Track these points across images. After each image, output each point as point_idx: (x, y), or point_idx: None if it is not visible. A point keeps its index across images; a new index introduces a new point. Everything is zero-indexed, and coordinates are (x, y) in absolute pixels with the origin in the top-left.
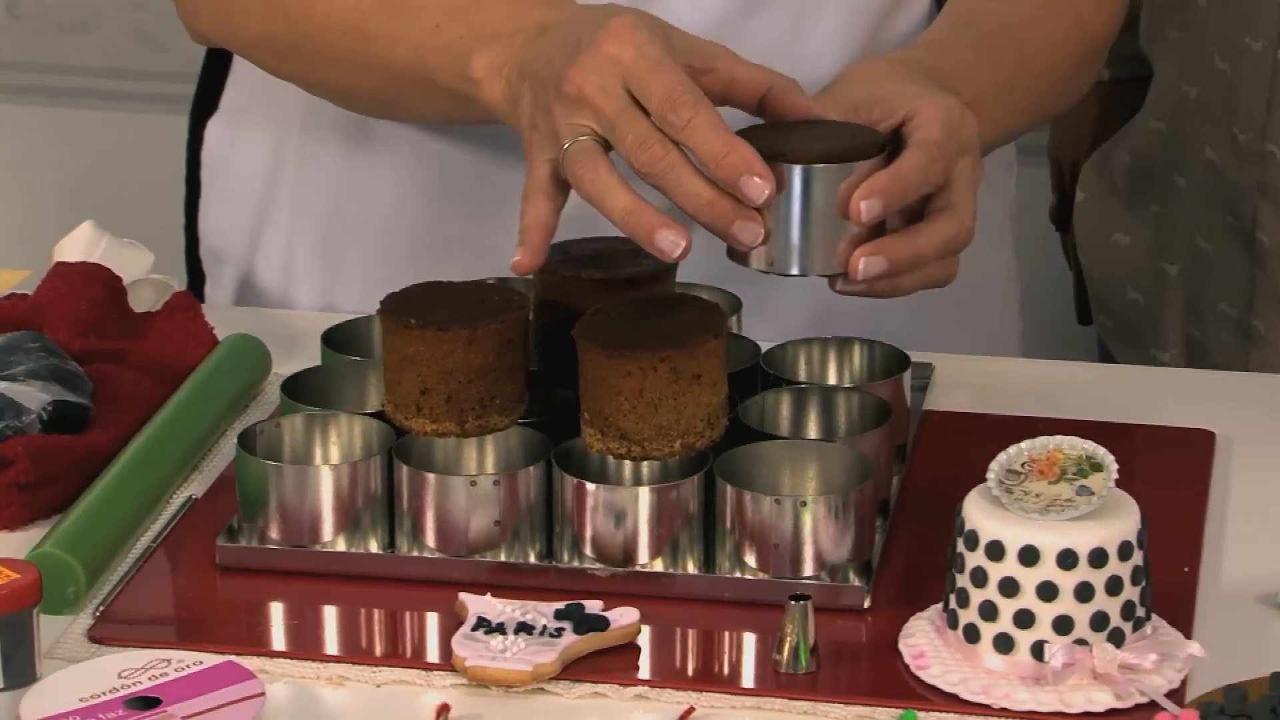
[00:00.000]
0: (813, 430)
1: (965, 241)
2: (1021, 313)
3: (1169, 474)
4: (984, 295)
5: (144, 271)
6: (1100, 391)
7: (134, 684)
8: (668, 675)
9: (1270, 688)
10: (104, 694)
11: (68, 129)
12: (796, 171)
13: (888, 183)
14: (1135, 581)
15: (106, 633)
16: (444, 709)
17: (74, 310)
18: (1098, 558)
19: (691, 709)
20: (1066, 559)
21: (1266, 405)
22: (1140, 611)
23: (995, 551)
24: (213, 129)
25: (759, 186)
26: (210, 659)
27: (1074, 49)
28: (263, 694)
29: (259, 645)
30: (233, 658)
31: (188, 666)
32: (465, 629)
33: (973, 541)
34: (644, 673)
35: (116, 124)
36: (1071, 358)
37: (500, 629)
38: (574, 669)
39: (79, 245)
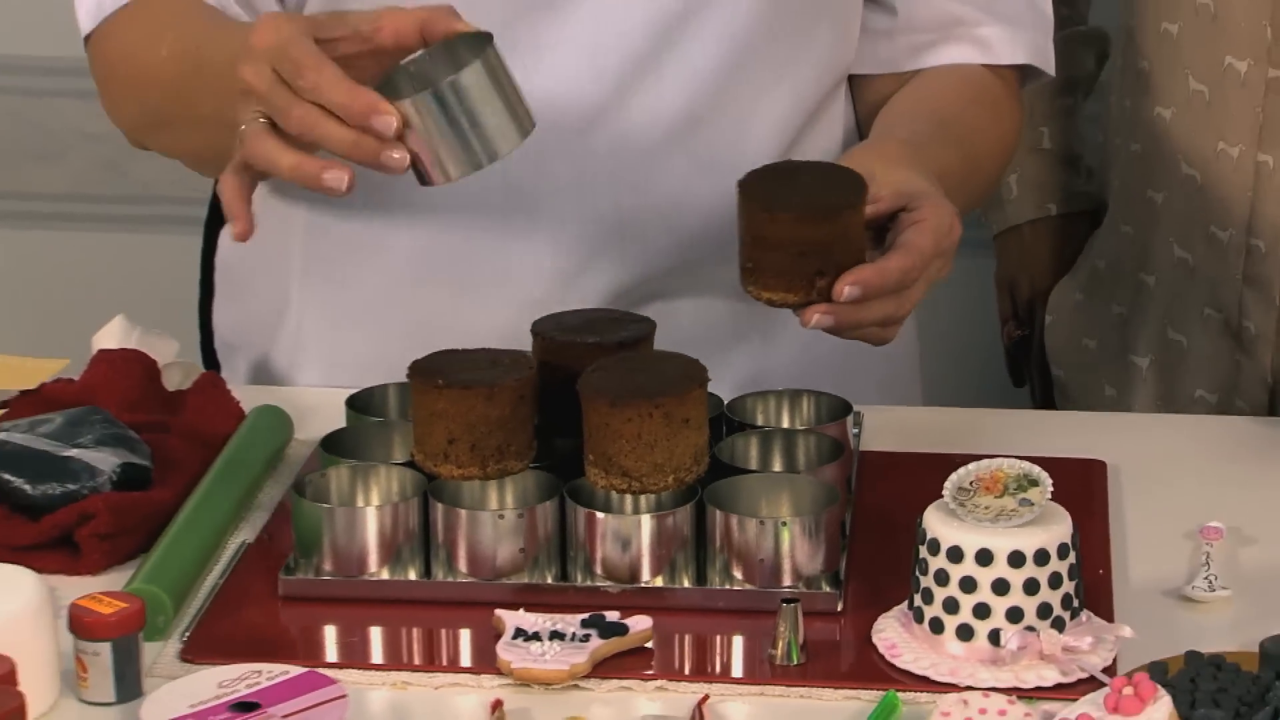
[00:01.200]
0: (777, 465)
1: (901, 319)
2: (921, 375)
3: (1072, 496)
4: (893, 361)
5: (170, 356)
6: (1005, 431)
7: (233, 691)
8: (680, 671)
9: (1186, 663)
10: (209, 701)
11: (32, 249)
12: (428, 95)
13: (871, 276)
14: (1071, 577)
15: (195, 654)
16: (498, 704)
17: (120, 390)
18: (1041, 557)
19: (706, 696)
20: (1016, 559)
21: (1145, 439)
22: (1075, 603)
23: (955, 555)
24: (225, 237)
25: (386, 121)
26: (295, 669)
27: (1002, 158)
28: (346, 696)
29: (325, 660)
30: (314, 669)
31: (276, 676)
32: (506, 638)
33: (935, 548)
34: (659, 669)
35: (78, 243)
36: None
37: (536, 637)
38: (600, 668)
39: (115, 335)
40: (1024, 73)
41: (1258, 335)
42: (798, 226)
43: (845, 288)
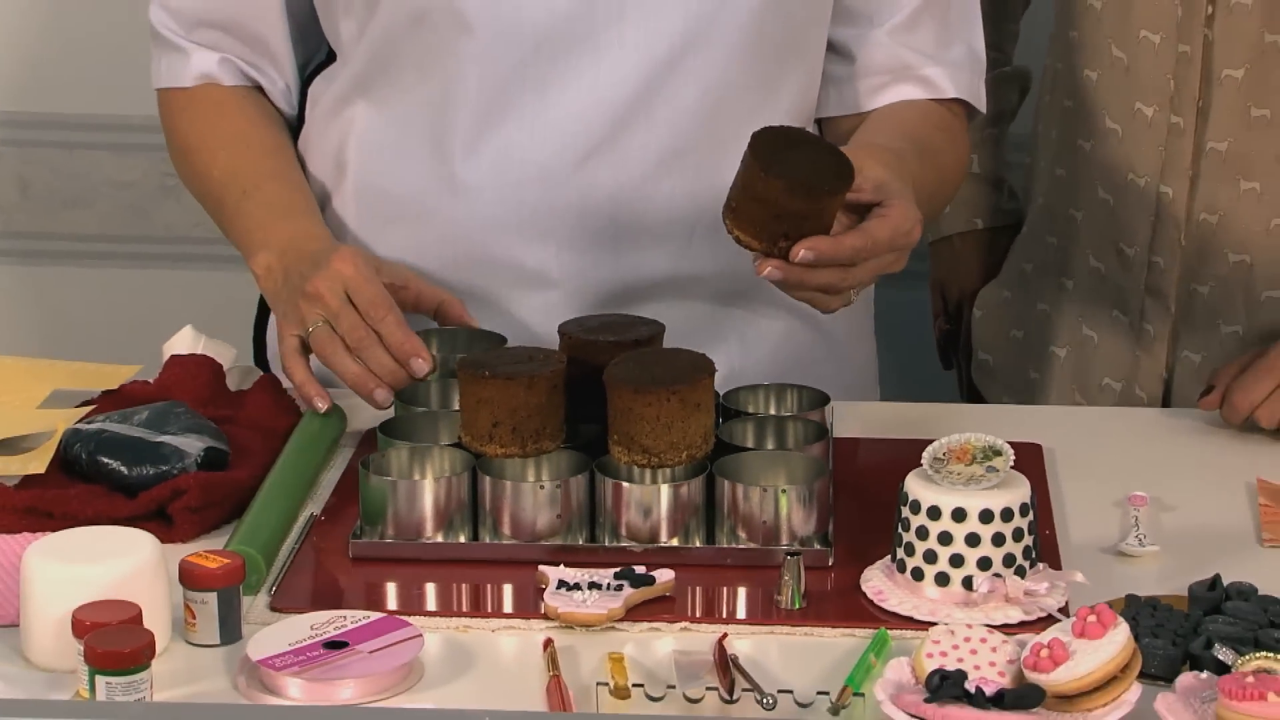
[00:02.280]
0: (770, 445)
1: (843, 291)
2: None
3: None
4: (855, 366)
5: (231, 361)
6: (953, 422)
7: (324, 633)
8: (700, 615)
9: (1126, 605)
10: (304, 640)
11: (67, 286)
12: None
13: (826, 246)
14: (1030, 531)
15: (283, 604)
16: (549, 642)
17: (192, 389)
18: (1006, 514)
19: (725, 634)
20: (985, 516)
21: (1071, 428)
22: (1034, 554)
23: (934, 513)
24: None
25: (421, 366)
26: (375, 614)
27: (959, 176)
28: (420, 635)
29: (393, 610)
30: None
31: (359, 620)
32: (551, 588)
33: (916, 508)
34: (681, 614)
35: (109, 280)
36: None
37: (577, 587)
38: (633, 613)
39: (185, 342)
40: (965, 109)
41: (1155, 336)
42: (784, 194)
43: (801, 251)
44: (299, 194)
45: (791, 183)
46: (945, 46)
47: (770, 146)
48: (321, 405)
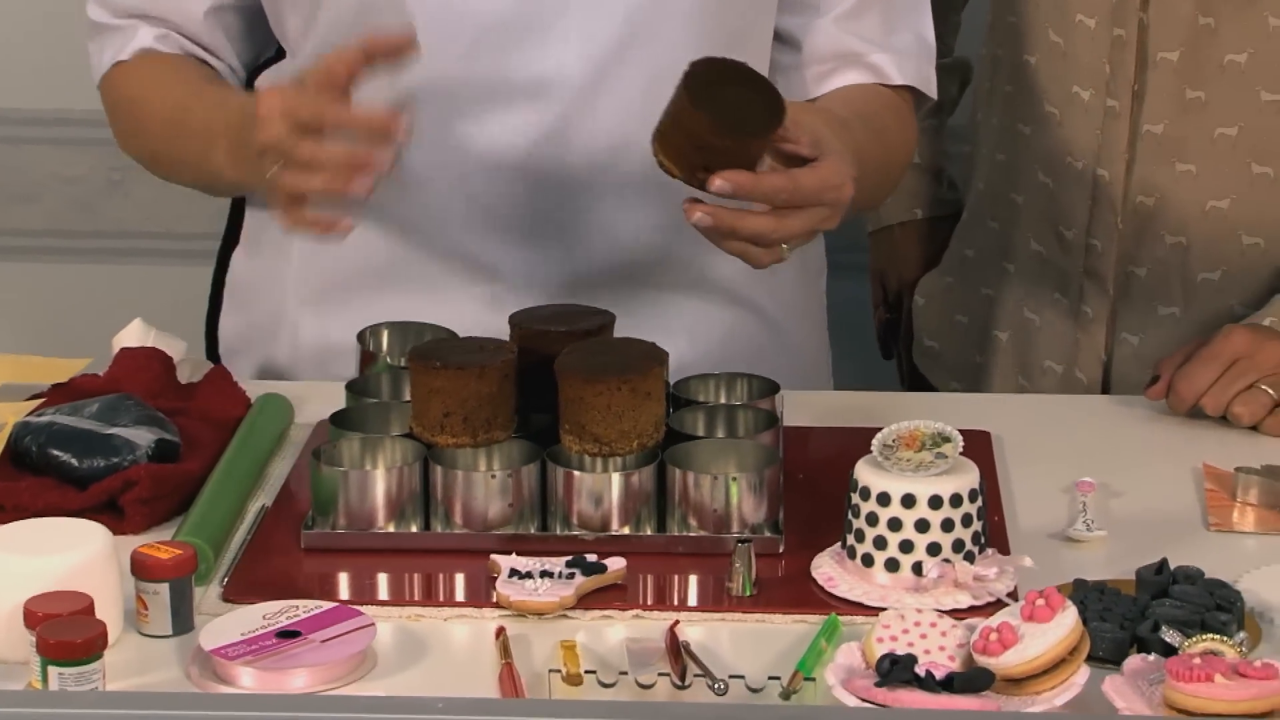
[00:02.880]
0: (721, 434)
1: (774, 243)
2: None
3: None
4: (805, 355)
5: (180, 354)
6: (900, 411)
7: (276, 622)
8: (651, 603)
9: (1075, 589)
10: (257, 629)
11: (14, 281)
12: None
13: (743, 179)
14: (979, 518)
15: (234, 595)
16: (501, 630)
17: (143, 381)
18: (955, 500)
19: (677, 621)
20: (934, 502)
21: (1018, 415)
22: (983, 540)
23: (883, 499)
24: (236, 255)
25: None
26: (327, 604)
27: (908, 155)
28: (373, 624)
29: (345, 599)
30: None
31: (312, 609)
32: (503, 577)
33: (866, 494)
34: (632, 602)
35: (56, 275)
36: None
37: (529, 575)
38: (585, 601)
39: (134, 335)
40: (914, 97)
41: (1094, 319)
42: (708, 130)
43: (718, 181)
44: (227, 88)
45: (716, 119)
46: (892, 33)
47: (704, 79)
48: (345, 224)
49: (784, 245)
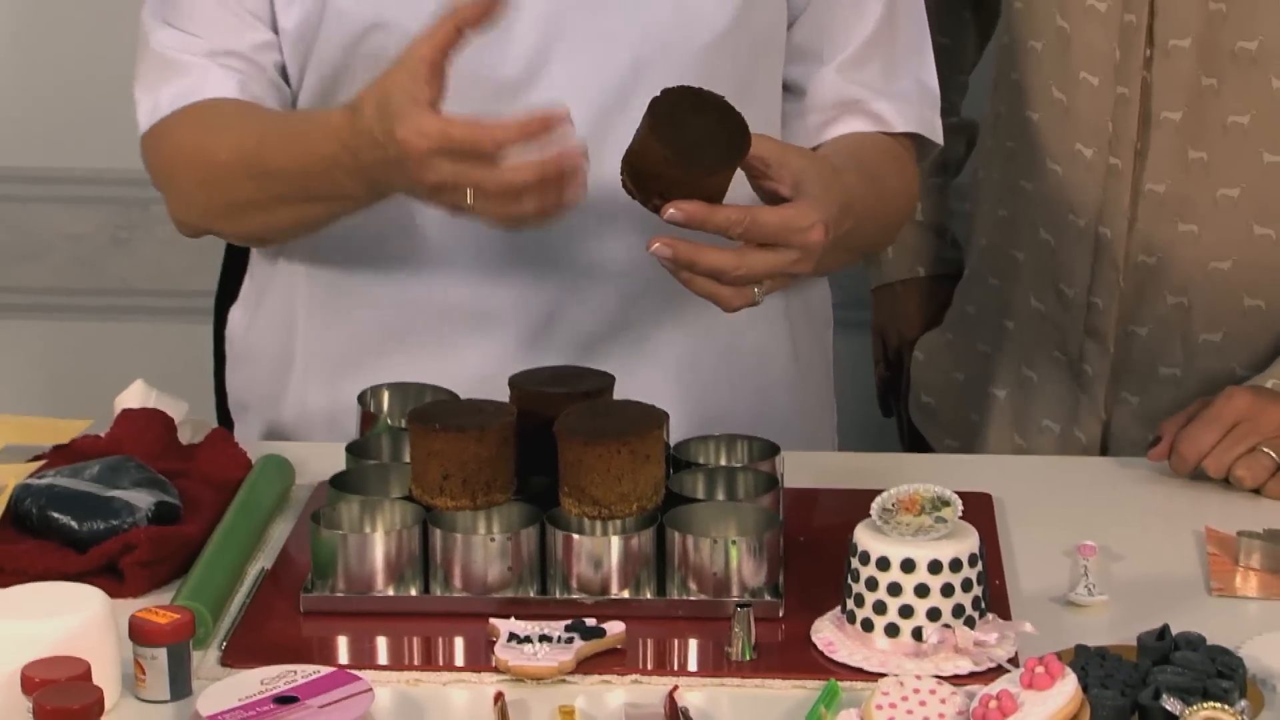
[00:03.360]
0: (721, 497)
1: (733, 277)
2: (837, 424)
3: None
4: (809, 415)
5: (182, 415)
6: (903, 472)
7: (274, 687)
8: (651, 667)
9: (1076, 655)
10: (255, 695)
11: (20, 338)
12: None
13: (695, 209)
14: (979, 582)
15: (233, 659)
16: (499, 696)
17: (144, 443)
18: (955, 565)
19: (676, 686)
20: (934, 566)
21: (1020, 477)
22: (983, 604)
23: (883, 564)
24: (234, 313)
25: (564, 126)
26: (325, 669)
27: (908, 203)
28: (371, 690)
29: (344, 663)
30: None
31: (310, 674)
32: (501, 641)
33: (865, 559)
34: (631, 666)
35: (62, 332)
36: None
37: (528, 639)
38: (584, 665)
39: (136, 396)
40: (917, 144)
41: (1094, 377)
42: (662, 159)
43: (670, 209)
44: (295, 119)
45: (671, 149)
46: (893, 80)
47: (671, 107)
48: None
49: (756, 288)
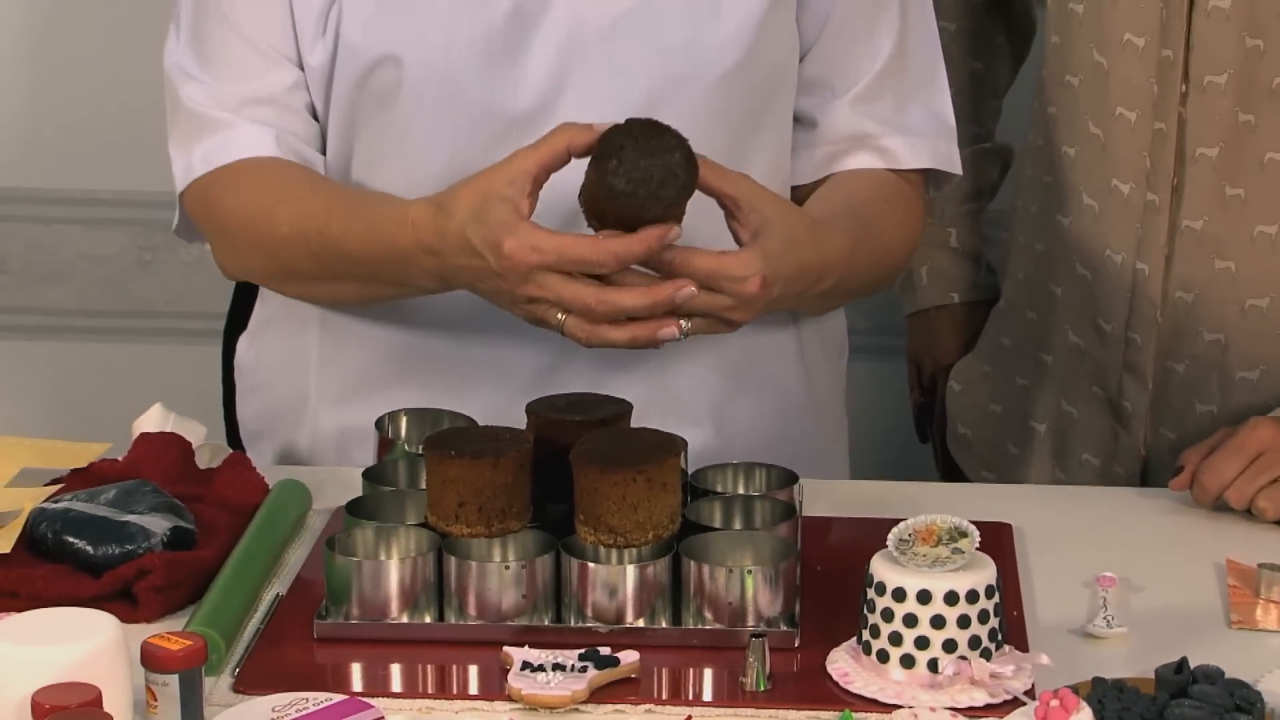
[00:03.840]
0: (738, 525)
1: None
2: (850, 449)
3: (986, 552)
4: (823, 442)
5: (200, 439)
6: (923, 500)
7: (285, 715)
8: (665, 697)
9: (1093, 688)
10: None
11: (44, 359)
12: None
13: (621, 243)
14: (996, 614)
15: (245, 686)
16: None
17: (161, 467)
18: (972, 596)
19: (690, 717)
20: (950, 598)
21: (1042, 506)
22: (1000, 636)
23: (899, 595)
24: (243, 343)
25: (664, 236)
26: (337, 696)
27: (909, 247)
28: (383, 718)
29: (357, 691)
30: (353, 696)
31: (322, 702)
32: (515, 670)
33: (881, 589)
34: (645, 696)
35: (86, 354)
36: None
37: (541, 669)
38: (597, 694)
39: (154, 420)
40: (934, 174)
41: (1133, 413)
42: (600, 193)
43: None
44: (368, 204)
45: (607, 184)
46: (905, 113)
47: (619, 140)
48: (671, 335)
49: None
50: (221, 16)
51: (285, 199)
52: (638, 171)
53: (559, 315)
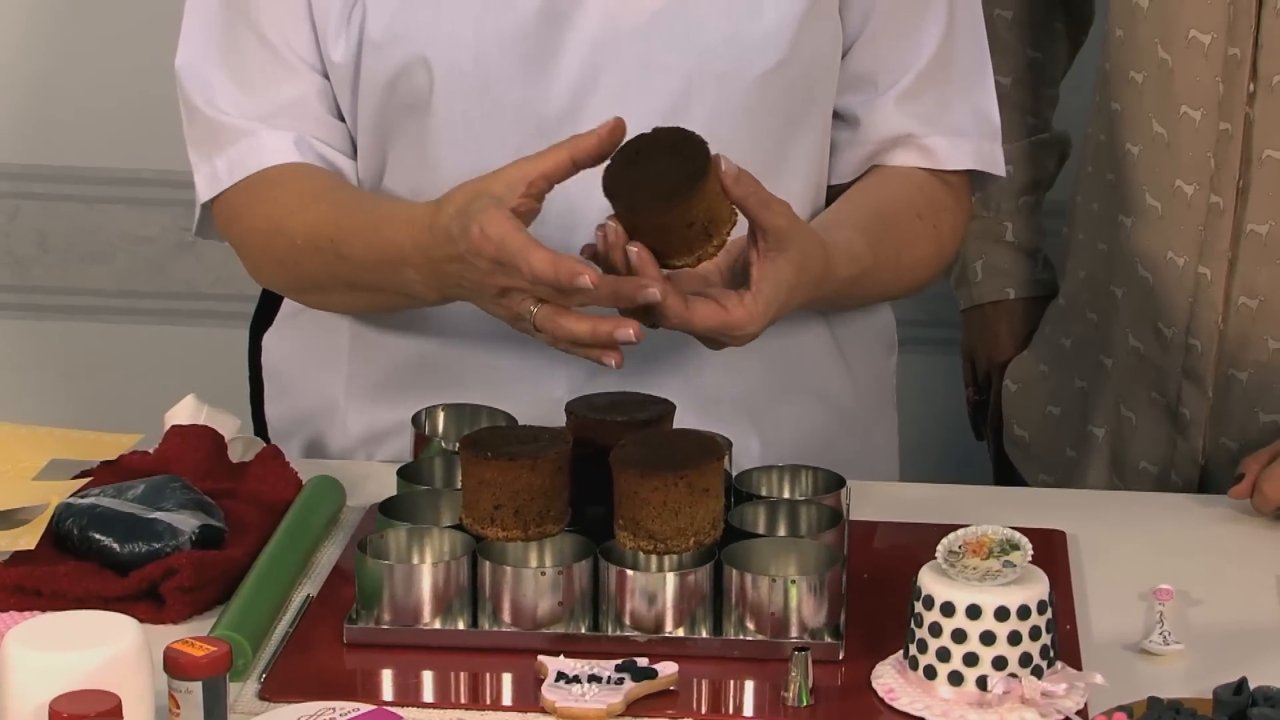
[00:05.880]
0: (782, 531)
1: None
2: (900, 451)
3: (1038, 562)
4: (872, 443)
5: (234, 432)
6: (975, 505)
7: None
8: (704, 711)
9: (1149, 708)
10: None
11: (85, 340)
12: None
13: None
14: (1048, 630)
15: (272, 693)
16: None
17: (192, 461)
18: (1023, 612)
19: None
20: (1001, 614)
21: (1098, 513)
22: (1052, 653)
23: (947, 610)
24: (270, 340)
25: (584, 280)
26: (365, 706)
27: (938, 260)
28: None
29: (386, 699)
30: (381, 706)
31: (349, 713)
32: (549, 681)
33: (929, 603)
34: (683, 710)
35: (127, 335)
36: None
37: (577, 680)
38: (633, 708)
39: (186, 412)
40: (979, 176)
41: (1191, 421)
42: (619, 207)
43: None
44: (374, 207)
45: (613, 191)
46: (948, 111)
47: (629, 151)
48: (613, 360)
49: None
50: (241, 19)
51: (299, 209)
52: (623, 185)
53: (531, 307)
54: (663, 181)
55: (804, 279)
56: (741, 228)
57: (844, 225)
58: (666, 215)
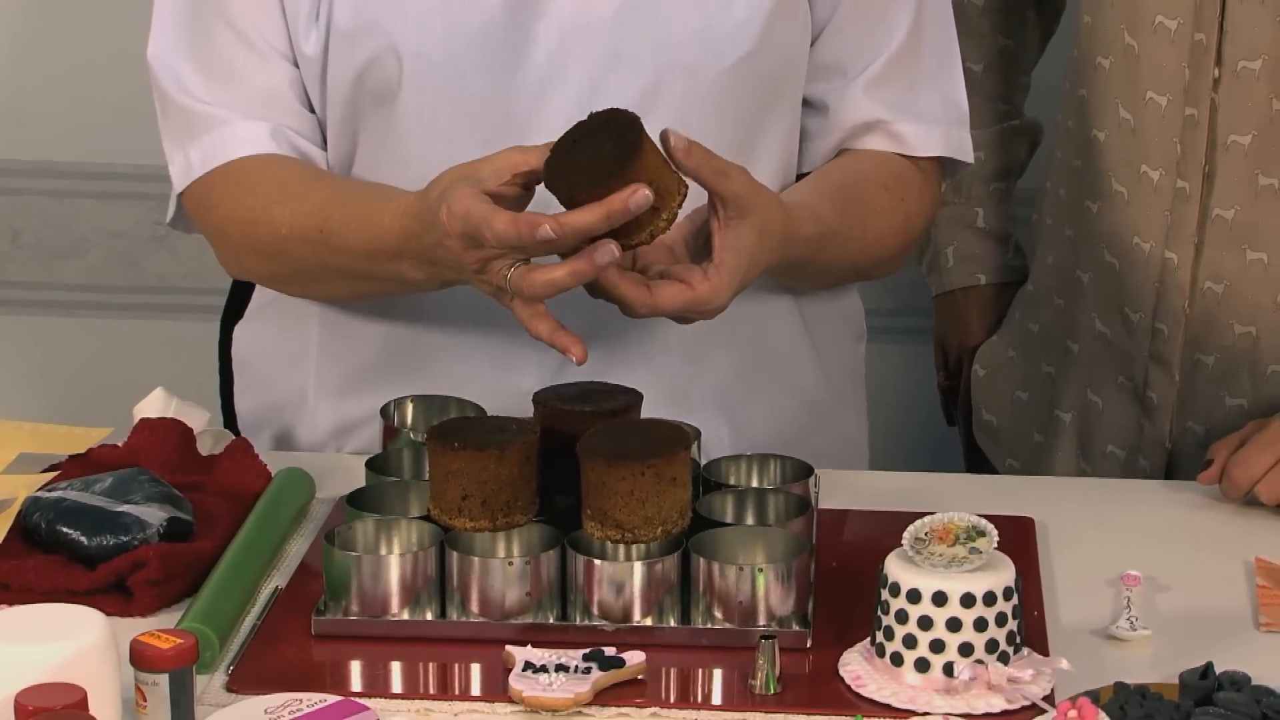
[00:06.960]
0: (750, 520)
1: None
2: (870, 441)
3: (1006, 549)
4: (843, 431)
5: (202, 424)
6: (944, 493)
7: (279, 717)
8: (671, 700)
9: (1115, 693)
10: None
11: (57, 335)
12: None
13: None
14: (1014, 616)
15: (239, 685)
16: None
17: (160, 454)
18: (989, 599)
19: None
20: (967, 600)
21: (1066, 500)
22: (1019, 639)
23: (913, 596)
24: (240, 333)
25: (544, 231)
26: (332, 697)
27: (906, 235)
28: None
29: (354, 690)
30: (348, 697)
31: (315, 703)
32: (517, 670)
33: (895, 590)
34: (651, 699)
35: (99, 329)
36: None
37: (544, 669)
38: (601, 697)
39: (155, 405)
40: (948, 162)
41: (1159, 405)
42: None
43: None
44: (365, 197)
45: (549, 173)
46: (917, 98)
47: (563, 146)
48: (577, 353)
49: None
50: (211, 9)
51: (282, 199)
52: (560, 174)
53: (507, 274)
54: (597, 163)
55: (767, 242)
56: (700, 198)
57: (806, 190)
58: (605, 196)
